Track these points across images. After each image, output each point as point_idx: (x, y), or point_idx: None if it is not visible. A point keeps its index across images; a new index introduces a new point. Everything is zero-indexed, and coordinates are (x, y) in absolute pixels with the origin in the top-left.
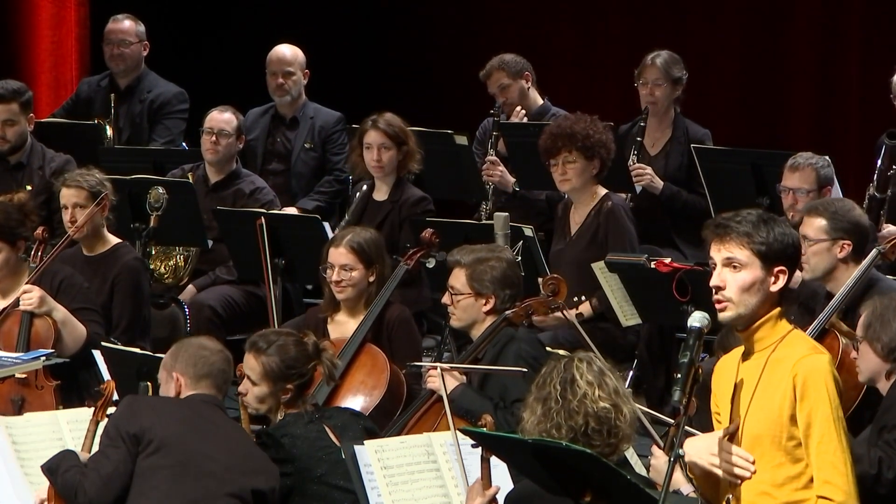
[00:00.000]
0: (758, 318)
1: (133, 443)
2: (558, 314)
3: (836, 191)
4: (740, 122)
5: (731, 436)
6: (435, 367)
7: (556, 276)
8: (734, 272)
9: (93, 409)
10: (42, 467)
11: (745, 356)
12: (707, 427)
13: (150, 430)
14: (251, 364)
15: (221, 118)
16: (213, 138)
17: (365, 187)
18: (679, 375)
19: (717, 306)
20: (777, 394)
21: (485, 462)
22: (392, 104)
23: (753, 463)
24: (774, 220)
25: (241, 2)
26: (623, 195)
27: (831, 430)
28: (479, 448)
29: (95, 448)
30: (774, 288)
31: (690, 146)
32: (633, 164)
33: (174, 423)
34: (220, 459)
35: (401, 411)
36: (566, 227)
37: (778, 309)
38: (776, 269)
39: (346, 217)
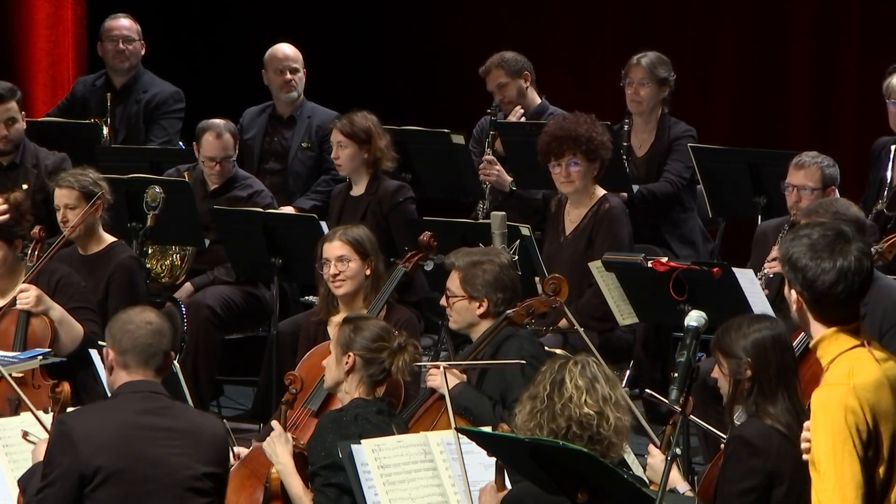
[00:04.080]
0: (808, 329)
1: (77, 480)
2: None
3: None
4: (737, 122)
5: None
6: (436, 366)
7: (557, 275)
8: None
9: (52, 413)
10: (18, 481)
11: None
12: (710, 424)
13: (91, 463)
14: (334, 335)
15: (220, 144)
16: (216, 166)
17: (341, 188)
18: (676, 375)
19: None
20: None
21: (500, 465)
22: (389, 103)
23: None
24: (811, 251)
25: (236, 1)
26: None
27: (829, 468)
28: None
29: None
30: (796, 308)
31: (669, 144)
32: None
33: (112, 447)
34: (169, 467)
35: (399, 411)
36: (560, 225)
37: (831, 329)
38: (796, 291)
39: (327, 219)
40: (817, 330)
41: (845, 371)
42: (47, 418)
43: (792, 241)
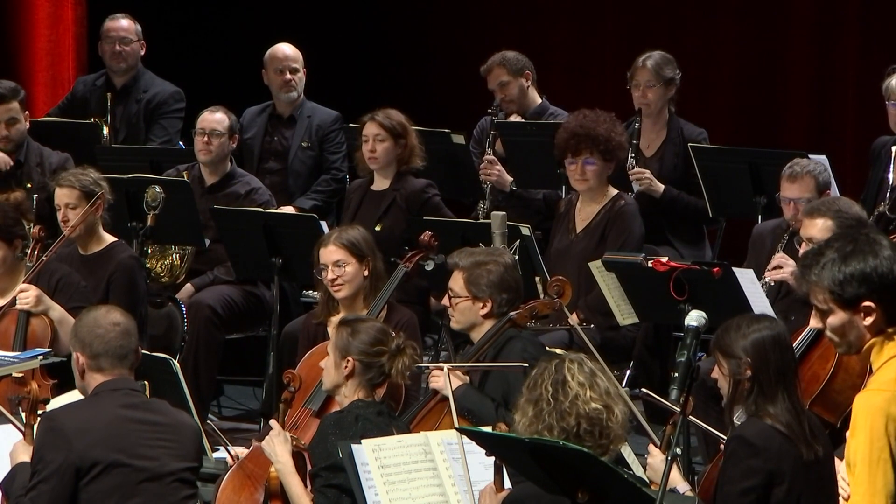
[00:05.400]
0: (862, 345)
1: (72, 474)
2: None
3: (834, 191)
4: (737, 121)
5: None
6: (440, 367)
7: (560, 277)
8: (825, 317)
9: (23, 413)
10: (0, 484)
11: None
12: (710, 424)
13: (87, 456)
14: (331, 337)
15: (213, 118)
16: (206, 139)
17: (360, 183)
18: (676, 374)
19: None
20: (851, 423)
21: (498, 465)
22: (389, 103)
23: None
24: (854, 255)
25: (237, 1)
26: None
27: (863, 473)
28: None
29: None
30: (867, 322)
31: (687, 146)
32: (632, 167)
33: (106, 440)
34: (159, 458)
35: (399, 412)
36: (570, 223)
37: (881, 335)
38: (861, 306)
39: (343, 214)
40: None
41: (891, 377)
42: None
43: (838, 266)
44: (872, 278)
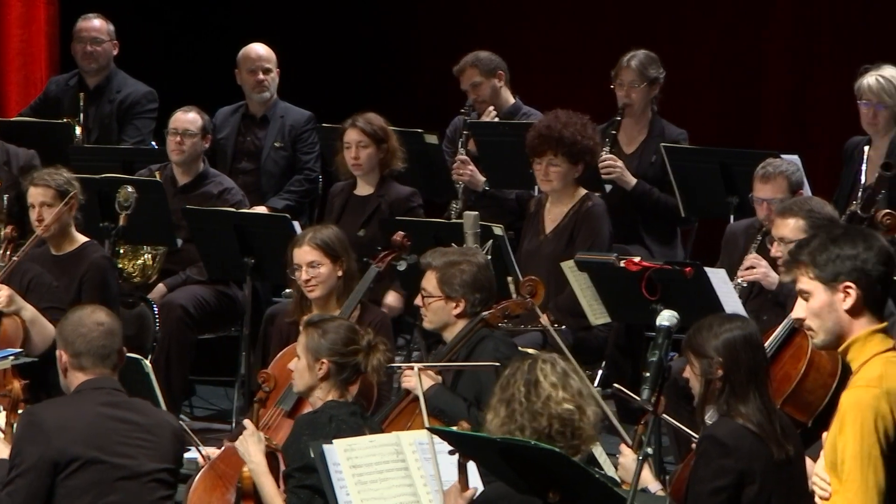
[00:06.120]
0: (843, 340)
1: (49, 469)
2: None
3: (806, 190)
4: (715, 122)
5: None
6: (411, 367)
7: (533, 277)
8: (807, 302)
9: (3, 412)
10: None
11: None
12: (682, 423)
13: (65, 451)
14: (300, 339)
15: (186, 118)
16: (178, 139)
17: (343, 186)
18: (648, 374)
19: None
20: (836, 421)
21: (462, 465)
22: (362, 103)
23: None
24: (844, 238)
25: (210, 1)
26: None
27: (854, 470)
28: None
29: None
30: (846, 305)
31: (660, 145)
32: (605, 154)
33: (86, 437)
34: (137, 457)
35: (371, 412)
36: (540, 224)
37: (866, 329)
38: (841, 287)
39: (325, 217)
40: (852, 331)
41: (876, 374)
42: (0, 417)
43: (826, 245)
44: (856, 262)
